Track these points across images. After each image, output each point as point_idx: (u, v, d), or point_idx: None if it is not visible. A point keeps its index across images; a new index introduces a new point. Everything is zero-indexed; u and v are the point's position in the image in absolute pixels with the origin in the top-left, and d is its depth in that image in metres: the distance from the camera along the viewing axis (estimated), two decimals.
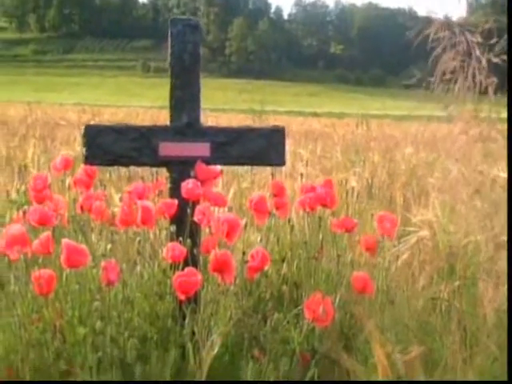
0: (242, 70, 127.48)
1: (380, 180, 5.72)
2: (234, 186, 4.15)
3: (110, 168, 3.92)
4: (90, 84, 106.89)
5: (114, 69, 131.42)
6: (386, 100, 75.79)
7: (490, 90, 2.42)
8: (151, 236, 2.75)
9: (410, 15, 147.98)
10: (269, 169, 4.13)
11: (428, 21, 2.43)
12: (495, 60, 2.39)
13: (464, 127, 2.44)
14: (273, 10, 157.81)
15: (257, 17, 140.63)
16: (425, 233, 3.07)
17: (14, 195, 3.54)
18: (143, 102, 45.07)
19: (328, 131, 15.83)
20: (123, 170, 4.45)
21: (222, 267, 2.37)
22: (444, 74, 2.42)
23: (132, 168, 3.91)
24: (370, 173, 5.65)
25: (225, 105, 44.95)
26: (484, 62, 2.39)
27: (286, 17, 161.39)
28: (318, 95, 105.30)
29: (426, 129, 16.68)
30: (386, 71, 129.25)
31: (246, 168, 5.09)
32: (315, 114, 36.24)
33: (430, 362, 2.27)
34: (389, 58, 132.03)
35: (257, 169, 5.08)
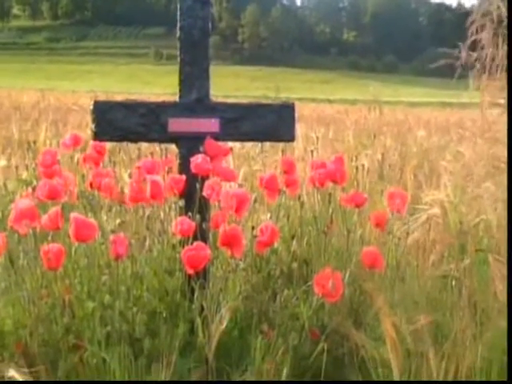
0: (255, 57, 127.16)
1: (391, 162, 5.69)
2: (244, 168, 4.13)
3: (119, 147, 3.91)
4: (102, 71, 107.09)
5: (127, 56, 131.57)
6: (399, 87, 75.41)
7: None
8: (161, 214, 2.74)
9: (423, 1, 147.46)
10: (280, 151, 4.12)
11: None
12: None
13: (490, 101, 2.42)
14: None
15: (269, 3, 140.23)
16: (435, 210, 3.04)
17: (24, 174, 3.53)
18: (155, 90, 45.11)
19: (340, 117, 15.78)
20: (133, 151, 4.44)
21: (230, 241, 2.36)
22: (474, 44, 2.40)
23: (143, 149, 3.90)
24: (381, 155, 5.61)
25: (237, 92, 44.86)
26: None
27: (298, 3, 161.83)
28: (331, 82, 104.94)
29: (439, 114, 16.62)
30: (399, 58, 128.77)
31: (257, 151, 5.08)
32: (328, 101, 36.09)
33: (440, 337, 2.26)
34: (401, 45, 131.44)
35: (268, 151, 5.07)
